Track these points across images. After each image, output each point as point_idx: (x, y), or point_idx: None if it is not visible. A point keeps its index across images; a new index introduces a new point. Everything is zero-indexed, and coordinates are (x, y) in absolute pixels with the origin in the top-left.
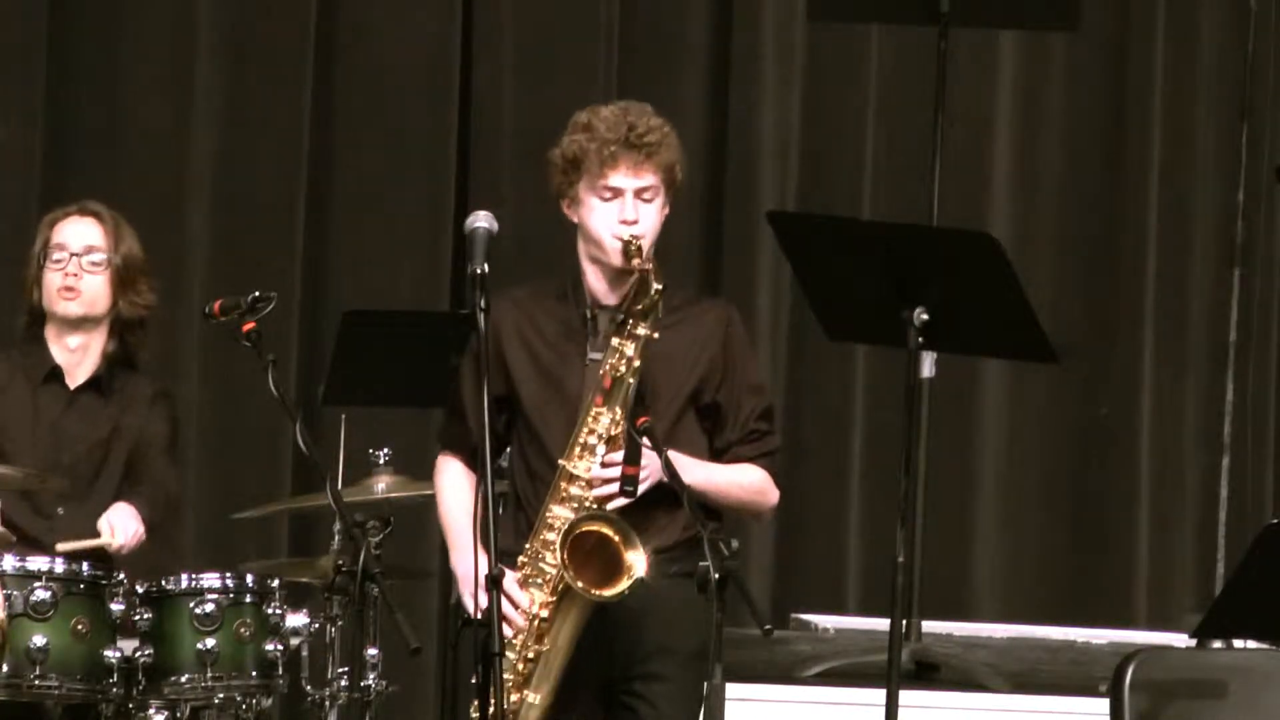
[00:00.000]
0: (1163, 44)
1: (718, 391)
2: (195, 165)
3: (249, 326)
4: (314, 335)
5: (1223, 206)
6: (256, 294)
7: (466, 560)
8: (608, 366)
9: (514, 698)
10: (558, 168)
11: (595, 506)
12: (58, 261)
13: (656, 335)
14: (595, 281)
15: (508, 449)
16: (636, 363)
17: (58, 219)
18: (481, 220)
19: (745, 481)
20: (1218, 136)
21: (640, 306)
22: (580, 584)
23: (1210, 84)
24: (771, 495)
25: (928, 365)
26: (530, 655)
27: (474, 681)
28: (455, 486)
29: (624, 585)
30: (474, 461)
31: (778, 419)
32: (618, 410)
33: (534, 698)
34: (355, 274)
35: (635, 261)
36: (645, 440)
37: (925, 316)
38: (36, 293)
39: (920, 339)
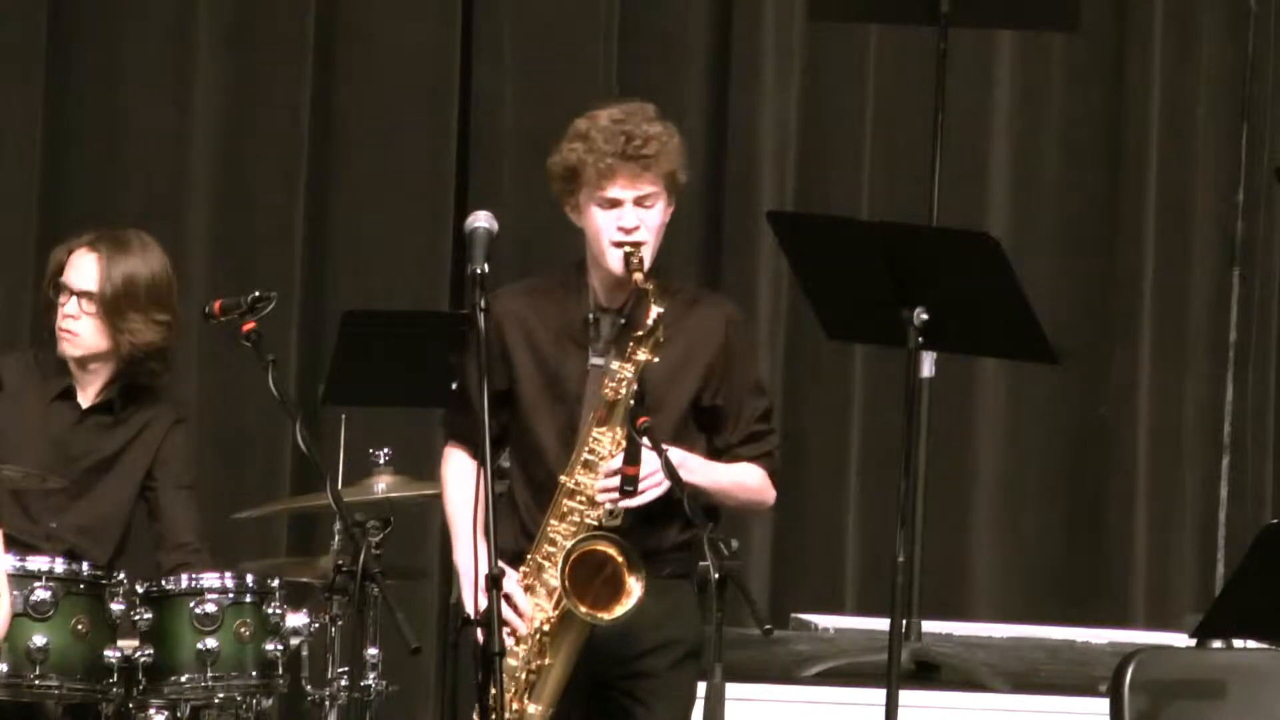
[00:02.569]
0: (1162, 44)
1: (717, 395)
2: (195, 165)
3: (249, 326)
4: (314, 335)
5: (1223, 206)
6: (256, 294)
7: (467, 555)
8: (609, 390)
9: (514, 706)
10: (557, 175)
11: (596, 523)
12: (61, 299)
13: (656, 360)
14: (598, 283)
15: (506, 449)
16: (635, 386)
17: (73, 249)
18: (481, 220)
19: (747, 481)
20: (1218, 136)
21: (640, 333)
22: (582, 610)
23: (1210, 84)
24: (769, 494)
25: (928, 365)
26: (533, 668)
27: (476, 681)
28: (459, 480)
29: (623, 609)
30: (478, 453)
31: (776, 418)
32: (618, 430)
33: (534, 709)
34: (355, 274)
35: (636, 276)
36: (645, 440)
37: (925, 316)
38: (52, 318)
39: (920, 339)
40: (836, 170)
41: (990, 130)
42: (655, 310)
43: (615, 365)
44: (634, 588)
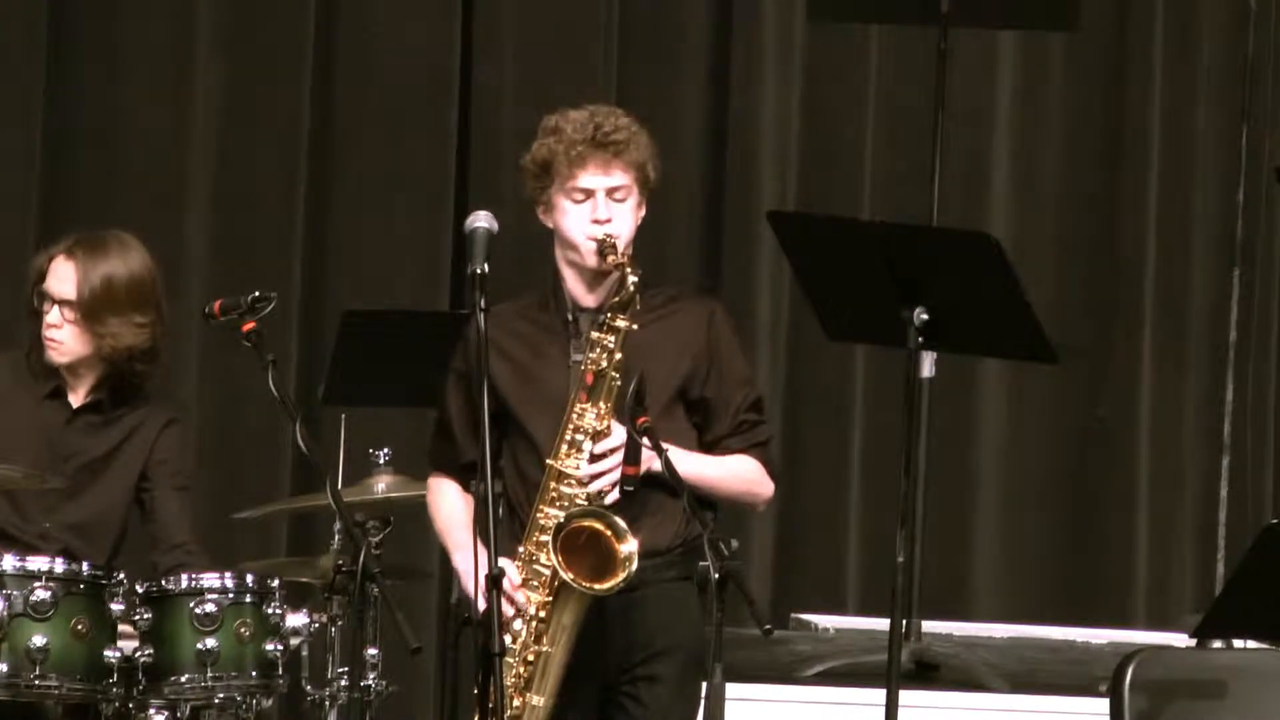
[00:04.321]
0: (1162, 44)
1: (704, 386)
2: (195, 165)
3: (249, 326)
4: (314, 335)
5: (1223, 206)
6: (256, 294)
7: (468, 557)
8: (589, 361)
9: (516, 702)
10: (530, 174)
11: (586, 503)
12: (44, 308)
13: (636, 327)
14: (574, 285)
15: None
16: (618, 355)
17: (52, 256)
18: (481, 220)
19: (738, 472)
20: (1217, 137)
21: (618, 299)
22: (571, 576)
23: (1210, 84)
24: (766, 485)
25: (928, 365)
26: (529, 658)
27: (475, 690)
28: (450, 503)
29: (620, 578)
30: (466, 480)
31: (769, 410)
32: (602, 405)
33: (537, 700)
34: (355, 274)
35: (610, 259)
36: (645, 440)
37: (925, 316)
38: (38, 325)
39: (920, 339)
40: (836, 170)
41: (990, 130)
42: (632, 278)
43: (595, 335)
44: (626, 556)
